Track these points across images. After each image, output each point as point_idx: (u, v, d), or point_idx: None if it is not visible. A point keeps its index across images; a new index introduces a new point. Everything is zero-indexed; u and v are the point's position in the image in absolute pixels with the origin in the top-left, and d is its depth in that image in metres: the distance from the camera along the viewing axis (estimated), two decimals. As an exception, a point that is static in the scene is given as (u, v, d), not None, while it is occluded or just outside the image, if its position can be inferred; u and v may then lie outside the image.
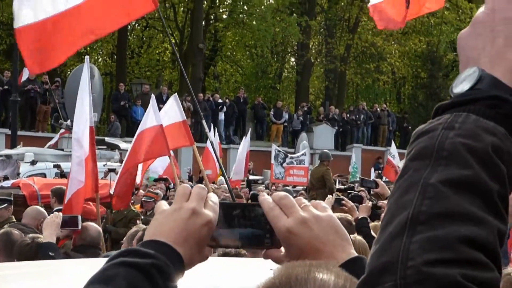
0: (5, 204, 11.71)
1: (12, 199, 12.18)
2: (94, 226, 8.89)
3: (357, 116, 46.34)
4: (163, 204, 2.18)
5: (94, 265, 2.19)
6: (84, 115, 11.02)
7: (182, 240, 2.03)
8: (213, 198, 2.18)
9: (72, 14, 10.86)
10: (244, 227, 2.18)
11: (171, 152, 15.19)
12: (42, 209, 10.68)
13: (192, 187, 2.19)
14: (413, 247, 1.44)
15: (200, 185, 2.25)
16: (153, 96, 14.50)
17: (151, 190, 19.73)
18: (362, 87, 61.03)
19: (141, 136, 12.39)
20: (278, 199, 2.14)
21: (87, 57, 11.49)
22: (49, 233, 8.02)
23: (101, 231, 8.92)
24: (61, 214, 8.96)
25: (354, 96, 63.20)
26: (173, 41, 51.15)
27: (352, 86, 62.99)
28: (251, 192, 22.79)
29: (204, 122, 15.23)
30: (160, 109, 15.39)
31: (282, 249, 2.16)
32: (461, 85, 1.58)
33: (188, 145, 14.77)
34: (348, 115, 47.74)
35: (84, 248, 8.22)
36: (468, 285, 1.37)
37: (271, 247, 2.15)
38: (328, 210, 2.22)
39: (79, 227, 8.55)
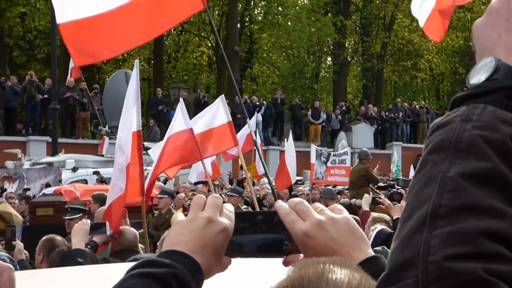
0: (80, 214, 11.75)
1: (87, 209, 12.22)
2: (130, 230, 9.00)
3: (396, 114, 46.40)
4: (179, 215, 2.22)
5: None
6: (127, 121, 10.98)
7: (199, 249, 2.06)
8: (229, 207, 2.21)
9: (119, 14, 10.90)
10: (262, 235, 2.20)
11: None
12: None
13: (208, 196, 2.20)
14: (434, 242, 1.44)
15: (214, 194, 2.29)
16: (181, 99, 14.47)
17: (195, 193, 19.82)
18: (400, 85, 61.31)
19: (170, 141, 12.29)
20: (294, 205, 2.16)
21: (136, 61, 11.51)
22: (78, 240, 8.14)
23: (137, 234, 8.99)
24: (89, 221, 9.07)
25: (392, 94, 63.43)
26: (209, 44, 51.59)
27: (390, 84, 63.31)
28: (292, 193, 22.72)
29: (248, 121, 15.29)
30: (197, 112, 15.43)
31: (301, 255, 2.17)
32: (478, 76, 1.55)
33: (233, 146, 14.78)
34: (386, 113, 47.76)
35: (122, 252, 8.33)
36: (490, 279, 1.36)
37: (290, 253, 2.16)
38: (344, 212, 2.24)
39: (108, 233, 8.68)
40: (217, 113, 14.37)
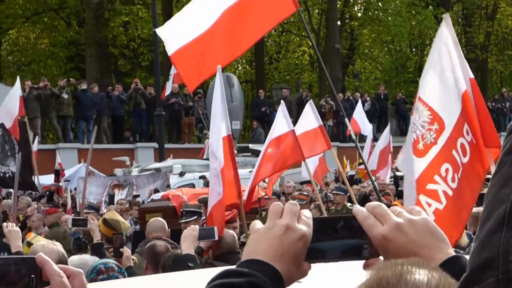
0: (195, 217, 11.93)
1: (201, 211, 12.39)
2: (229, 233, 9.21)
3: (503, 104, 45.90)
4: (257, 224, 2.22)
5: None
6: (217, 126, 11.07)
7: (278, 257, 2.06)
8: (306, 213, 2.20)
9: (219, 28, 11.02)
10: (341, 240, 2.19)
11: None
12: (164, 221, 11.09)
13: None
14: None
15: (292, 201, 2.27)
16: (282, 102, 14.49)
17: (301, 192, 20.13)
18: (506, 74, 60.53)
19: (273, 144, 12.37)
20: (372, 208, 2.17)
21: (218, 66, 11.42)
22: (187, 246, 8.35)
23: (235, 236, 9.17)
24: (197, 227, 9.19)
25: (498, 84, 62.49)
26: (309, 43, 51.87)
27: (495, 74, 62.64)
28: (362, 194, 22.43)
29: (346, 120, 15.26)
30: (301, 111, 15.51)
31: (381, 258, 2.18)
32: None
33: (326, 149, 14.74)
34: (493, 104, 46.96)
35: (223, 255, 8.57)
36: None
37: (370, 257, 2.16)
38: (423, 213, 2.22)
39: (216, 238, 8.84)
40: (307, 118, 14.38)
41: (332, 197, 18.31)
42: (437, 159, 8.16)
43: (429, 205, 8.09)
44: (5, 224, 9.40)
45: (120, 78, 47.75)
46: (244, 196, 13.22)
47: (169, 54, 11.64)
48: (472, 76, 8.25)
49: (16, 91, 21.61)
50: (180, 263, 8.04)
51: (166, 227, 10.13)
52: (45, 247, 7.66)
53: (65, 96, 34.28)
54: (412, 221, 2.13)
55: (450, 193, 8.05)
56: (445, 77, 8.24)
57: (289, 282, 2.10)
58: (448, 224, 8.03)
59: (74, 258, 8.54)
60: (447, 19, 8.63)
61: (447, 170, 8.10)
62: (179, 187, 22.03)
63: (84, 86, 34.94)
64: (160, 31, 12.41)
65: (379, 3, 56.21)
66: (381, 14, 54.11)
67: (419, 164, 8.24)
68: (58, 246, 7.90)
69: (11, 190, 21.91)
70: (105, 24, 46.25)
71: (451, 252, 2.14)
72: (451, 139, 8.09)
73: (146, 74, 48.35)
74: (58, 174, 25.35)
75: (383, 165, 25.63)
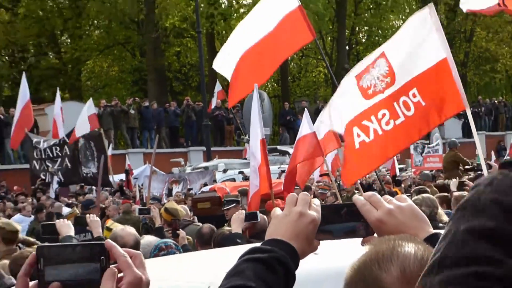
0: (234, 204, 11.90)
1: (239, 199, 12.34)
2: (261, 216, 9.13)
3: (479, 109, 45.30)
4: (277, 211, 2.26)
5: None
6: (255, 132, 11.09)
7: (294, 237, 2.11)
8: (316, 201, 2.25)
9: (253, 56, 10.99)
10: (344, 222, 2.25)
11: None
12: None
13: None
14: (434, 285, 1.45)
15: (304, 192, 2.30)
16: (305, 110, 14.33)
17: (325, 183, 20.05)
18: (481, 85, 60.02)
19: (299, 143, 12.37)
20: (368, 197, 2.22)
21: (255, 84, 11.36)
22: (236, 226, 8.35)
23: (266, 218, 9.09)
24: (243, 211, 9.28)
25: (475, 93, 61.12)
26: (324, 64, 51.86)
27: (473, 85, 61.74)
28: (367, 183, 22.27)
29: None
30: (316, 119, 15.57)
31: (375, 235, 2.24)
32: None
33: (337, 147, 14.32)
34: (471, 108, 45.28)
35: (257, 235, 8.51)
36: None
37: (366, 235, 2.22)
38: (408, 200, 2.27)
39: (259, 219, 8.83)
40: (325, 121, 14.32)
41: (344, 187, 18.13)
42: (378, 104, 8.15)
43: (359, 135, 8.28)
44: (87, 215, 9.35)
45: (175, 96, 47.27)
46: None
47: (228, 79, 11.73)
48: (444, 56, 7.82)
49: (89, 108, 21.09)
50: (230, 240, 8.02)
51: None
52: (124, 231, 7.55)
53: (132, 111, 34.23)
54: (400, 207, 2.18)
55: (380, 132, 8.11)
56: (415, 49, 8.04)
57: (303, 256, 2.15)
58: (370, 154, 8.38)
59: (143, 239, 8.44)
60: (431, 7, 8.21)
61: (384, 114, 8.10)
62: (223, 181, 21.94)
63: (146, 103, 34.82)
64: (215, 65, 12.35)
65: (379, 31, 55.74)
66: (381, 39, 52.44)
67: (365, 103, 8.31)
68: (133, 230, 7.78)
69: (93, 187, 22.34)
70: (161, 54, 46.07)
71: (431, 230, 2.19)
72: (396, 94, 7.99)
73: (195, 92, 47.76)
74: (128, 173, 25.29)
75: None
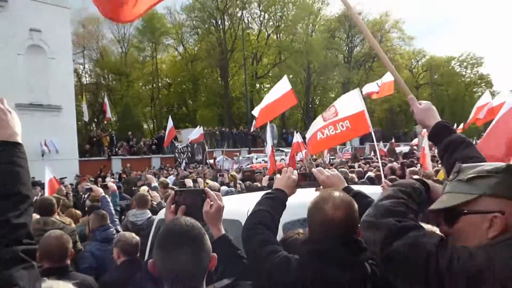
0: (260, 173, 12.80)
1: (263, 172, 13.38)
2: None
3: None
4: (279, 176, 2.85)
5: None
6: (269, 142, 12.83)
7: (285, 187, 2.73)
8: (295, 172, 2.81)
9: (268, 107, 11.14)
10: (308, 181, 2.86)
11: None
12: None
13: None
14: None
15: (290, 168, 2.89)
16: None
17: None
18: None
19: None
20: (318, 170, 2.83)
21: (269, 121, 11.52)
22: (263, 182, 9.20)
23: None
24: (267, 176, 11.02)
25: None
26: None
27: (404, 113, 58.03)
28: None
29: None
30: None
31: (321, 187, 2.79)
32: None
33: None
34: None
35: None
36: None
37: (317, 187, 2.84)
38: (335, 171, 2.84)
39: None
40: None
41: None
42: (329, 124, 8.57)
43: (321, 135, 8.69)
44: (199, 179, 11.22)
45: (238, 122, 48.91)
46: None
47: (256, 115, 11.90)
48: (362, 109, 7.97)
49: (199, 130, 22.26)
50: (258, 189, 9.01)
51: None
52: (213, 182, 9.03)
53: (217, 132, 37.95)
54: (333, 174, 2.81)
55: (329, 135, 8.53)
56: (346, 104, 8.42)
57: (289, 195, 2.76)
58: (323, 142, 8.70)
59: (222, 187, 9.79)
60: (358, 90, 8.67)
61: (330, 128, 8.49)
62: (255, 164, 25.20)
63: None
64: (253, 111, 12.79)
65: (324, 99, 56.06)
66: (328, 103, 46.39)
67: (323, 123, 8.74)
68: (217, 183, 9.20)
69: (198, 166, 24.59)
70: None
71: (345, 185, 2.83)
72: (338, 121, 8.40)
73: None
74: (214, 159, 26.93)
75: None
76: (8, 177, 1.75)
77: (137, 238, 4.78)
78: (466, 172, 1.80)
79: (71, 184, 18.53)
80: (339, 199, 2.35)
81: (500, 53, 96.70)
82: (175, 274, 1.96)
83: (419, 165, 12.31)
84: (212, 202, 2.52)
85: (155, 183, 10.59)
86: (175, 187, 10.45)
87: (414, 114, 2.71)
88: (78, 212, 7.85)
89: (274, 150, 13.19)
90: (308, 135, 9.13)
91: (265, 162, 20.92)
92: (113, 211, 6.11)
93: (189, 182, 11.18)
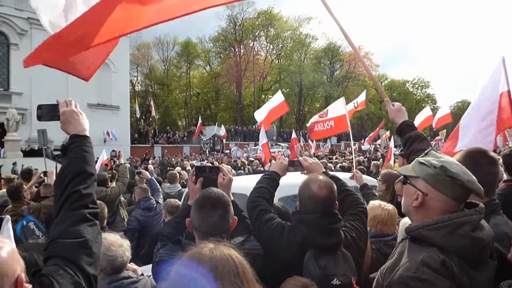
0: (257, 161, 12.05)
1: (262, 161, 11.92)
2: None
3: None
4: (274, 161, 2.63)
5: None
6: (263, 138, 11.13)
7: (278, 169, 2.58)
8: (285, 158, 2.60)
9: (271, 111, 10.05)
10: (295, 166, 2.65)
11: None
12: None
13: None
14: None
15: (282, 156, 2.70)
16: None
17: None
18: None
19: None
20: (303, 158, 2.64)
21: (262, 125, 10.70)
22: (266, 167, 8.45)
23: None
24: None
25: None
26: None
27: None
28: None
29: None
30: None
31: (306, 171, 2.62)
32: None
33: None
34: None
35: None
36: None
37: (304, 171, 2.64)
38: (316, 159, 2.65)
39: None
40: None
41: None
42: (322, 121, 7.90)
43: (317, 127, 7.98)
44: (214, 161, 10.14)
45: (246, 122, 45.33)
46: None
47: (259, 121, 10.35)
48: (344, 113, 7.46)
49: (222, 129, 22.25)
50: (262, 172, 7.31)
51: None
52: (227, 166, 7.91)
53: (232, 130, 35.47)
54: (314, 162, 2.63)
55: (322, 129, 7.81)
56: (336, 108, 7.78)
57: (281, 176, 2.59)
58: (318, 133, 8.06)
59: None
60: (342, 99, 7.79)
61: (322, 125, 7.64)
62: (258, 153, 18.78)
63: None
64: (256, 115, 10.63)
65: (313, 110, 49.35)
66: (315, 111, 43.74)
67: (317, 118, 8.02)
68: (230, 166, 7.92)
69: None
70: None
71: (323, 170, 2.62)
72: (327, 120, 7.81)
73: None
74: (230, 149, 25.97)
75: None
76: (79, 161, 1.78)
77: (179, 202, 4.69)
78: (427, 157, 1.80)
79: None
80: (323, 181, 2.27)
81: (443, 77, 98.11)
82: (210, 229, 1.95)
83: (381, 159, 12.23)
84: (224, 176, 2.43)
85: (188, 167, 10.68)
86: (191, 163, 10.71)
87: (388, 112, 2.61)
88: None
89: (272, 145, 11.98)
90: (308, 124, 8.77)
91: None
92: (159, 188, 5.98)
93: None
